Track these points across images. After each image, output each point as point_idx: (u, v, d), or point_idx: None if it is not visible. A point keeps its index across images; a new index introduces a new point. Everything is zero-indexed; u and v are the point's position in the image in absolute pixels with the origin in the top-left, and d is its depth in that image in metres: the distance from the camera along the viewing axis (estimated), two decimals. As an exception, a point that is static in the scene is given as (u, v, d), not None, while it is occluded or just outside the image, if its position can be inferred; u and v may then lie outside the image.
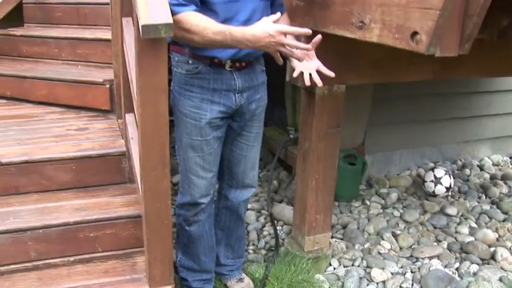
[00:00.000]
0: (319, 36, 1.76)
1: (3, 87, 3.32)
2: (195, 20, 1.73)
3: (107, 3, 3.59)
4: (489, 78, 4.30)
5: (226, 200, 2.38)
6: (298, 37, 1.95)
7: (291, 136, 3.70)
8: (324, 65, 1.95)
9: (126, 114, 2.38)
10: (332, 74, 1.88)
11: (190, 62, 1.97)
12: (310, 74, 1.90)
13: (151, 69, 1.62)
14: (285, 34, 1.72)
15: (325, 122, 2.42)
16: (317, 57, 1.98)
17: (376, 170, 4.16)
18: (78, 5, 3.87)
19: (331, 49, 2.10)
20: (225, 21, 1.84)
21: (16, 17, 3.92)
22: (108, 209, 2.19)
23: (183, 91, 2.01)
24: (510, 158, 4.88)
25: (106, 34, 3.31)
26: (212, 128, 2.05)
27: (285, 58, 1.99)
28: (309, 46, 1.75)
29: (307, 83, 1.88)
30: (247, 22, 1.87)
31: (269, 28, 1.70)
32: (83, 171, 2.36)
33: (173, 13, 1.60)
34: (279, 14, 1.78)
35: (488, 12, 1.99)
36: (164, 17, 1.52)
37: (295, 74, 1.93)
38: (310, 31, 1.74)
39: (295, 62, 1.95)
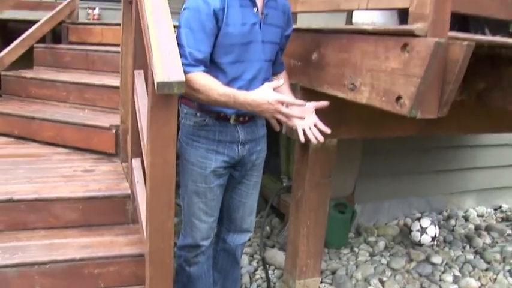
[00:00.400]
0: (324, 103, 1.96)
1: (11, 126, 3.49)
2: (203, 80, 1.93)
3: (114, 52, 3.83)
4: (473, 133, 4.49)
5: (224, 243, 2.51)
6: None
7: (284, 184, 3.86)
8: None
9: (132, 159, 2.53)
10: (328, 131, 2.05)
11: (198, 114, 2.15)
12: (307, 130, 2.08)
13: (163, 121, 1.79)
14: (282, 103, 1.91)
15: (318, 172, 2.60)
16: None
17: (365, 219, 4.30)
18: (86, 51, 4.10)
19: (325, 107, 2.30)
20: (233, 79, 2.04)
21: (27, 59, 4.14)
22: (112, 248, 2.32)
23: (191, 141, 2.19)
24: (494, 209, 5.05)
25: (113, 81, 3.53)
26: (216, 176, 2.22)
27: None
28: (303, 115, 1.96)
29: (302, 139, 2.05)
30: (252, 80, 2.07)
31: (269, 96, 1.90)
32: (89, 211, 2.51)
33: (184, 72, 1.79)
34: (281, 81, 1.99)
35: (466, 77, 2.21)
36: (178, 75, 1.71)
37: (299, 132, 2.08)
38: (305, 103, 1.94)
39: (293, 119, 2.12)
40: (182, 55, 1.87)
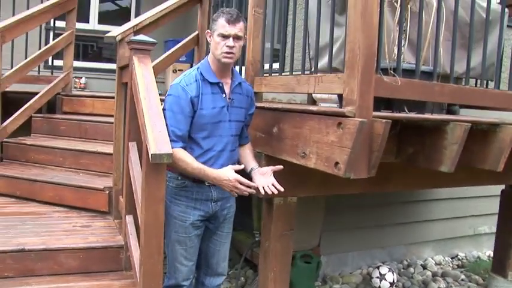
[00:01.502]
0: (279, 167, 2.56)
1: (13, 188, 3.94)
2: (182, 155, 2.47)
3: (105, 122, 4.35)
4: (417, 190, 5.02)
5: (203, 285, 2.95)
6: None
7: (257, 239, 4.31)
8: (280, 181, 2.65)
9: (126, 215, 3.00)
10: (282, 189, 2.58)
11: (179, 178, 2.65)
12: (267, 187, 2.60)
13: (154, 184, 2.30)
14: (239, 182, 2.45)
15: (281, 226, 3.04)
16: (275, 176, 2.69)
17: (331, 269, 4.74)
18: (79, 121, 4.60)
19: (285, 170, 2.82)
20: (206, 150, 2.58)
21: (24, 128, 4.61)
22: (109, 290, 2.77)
23: (173, 199, 2.67)
24: (452, 258, 5.54)
25: (104, 148, 4.03)
26: (194, 228, 2.69)
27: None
28: (253, 191, 2.51)
29: (262, 193, 2.57)
30: (221, 151, 2.61)
31: (229, 175, 2.46)
32: (88, 259, 2.95)
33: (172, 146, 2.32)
34: (238, 166, 2.55)
35: (398, 143, 2.77)
36: (166, 149, 2.24)
37: (260, 189, 2.58)
38: (257, 186, 2.50)
39: (255, 179, 2.62)
40: (169, 133, 2.42)
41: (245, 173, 2.66)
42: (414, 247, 5.34)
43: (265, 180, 2.60)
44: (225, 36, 2.50)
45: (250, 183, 2.49)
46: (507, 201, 4.42)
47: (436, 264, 5.29)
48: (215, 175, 2.48)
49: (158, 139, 2.27)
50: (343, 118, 2.19)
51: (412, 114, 2.67)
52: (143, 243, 2.37)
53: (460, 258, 5.55)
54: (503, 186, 4.47)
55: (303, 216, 4.14)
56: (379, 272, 4.40)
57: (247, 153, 2.81)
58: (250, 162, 2.74)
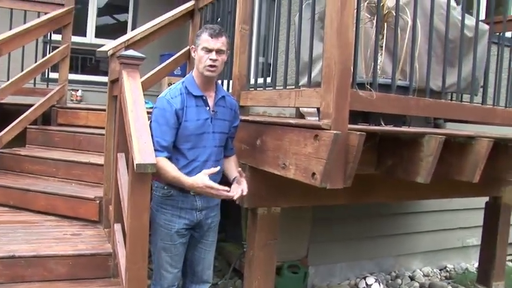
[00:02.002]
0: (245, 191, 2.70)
1: (7, 197, 4.02)
2: (163, 164, 2.56)
3: (98, 134, 4.46)
4: (399, 201, 5.11)
5: (189, 293, 3.05)
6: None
7: (245, 249, 4.39)
8: (262, 193, 2.80)
9: (114, 224, 3.09)
10: (245, 192, 2.69)
11: (165, 187, 2.75)
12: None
13: (139, 193, 2.40)
14: (210, 187, 2.54)
15: (265, 235, 3.12)
16: (260, 187, 2.82)
17: (320, 280, 4.81)
18: (74, 133, 4.71)
19: (269, 181, 2.94)
20: (191, 161, 2.68)
21: (19, 138, 4.71)
22: (97, 296, 2.86)
23: (159, 208, 2.77)
24: (440, 269, 5.62)
25: (97, 159, 4.12)
26: (179, 236, 2.79)
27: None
28: (225, 194, 2.60)
29: (236, 198, 2.68)
30: (206, 162, 2.71)
31: (199, 182, 2.55)
32: (77, 266, 3.04)
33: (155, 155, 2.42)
34: (212, 169, 2.62)
35: (378, 155, 2.87)
36: (151, 159, 2.35)
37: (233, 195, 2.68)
38: (229, 191, 2.59)
39: (232, 188, 2.72)
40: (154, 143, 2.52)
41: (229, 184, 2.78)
42: (403, 258, 5.41)
43: (237, 186, 2.73)
44: (208, 50, 2.63)
45: (220, 186, 2.59)
46: (491, 213, 4.51)
47: (424, 275, 5.36)
48: (190, 183, 2.58)
49: (143, 150, 2.37)
50: (320, 130, 2.29)
51: (388, 127, 2.78)
52: (128, 250, 2.46)
53: (449, 270, 5.63)
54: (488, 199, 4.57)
55: (290, 227, 4.25)
56: (366, 283, 4.50)
57: (231, 164, 2.92)
58: (234, 173, 2.85)
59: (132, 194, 2.40)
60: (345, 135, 2.32)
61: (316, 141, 2.31)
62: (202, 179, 2.55)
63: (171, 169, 2.59)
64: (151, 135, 2.56)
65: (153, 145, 2.52)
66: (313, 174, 2.33)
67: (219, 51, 2.65)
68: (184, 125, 2.65)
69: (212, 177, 2.72)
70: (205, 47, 2.63)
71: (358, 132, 2.29)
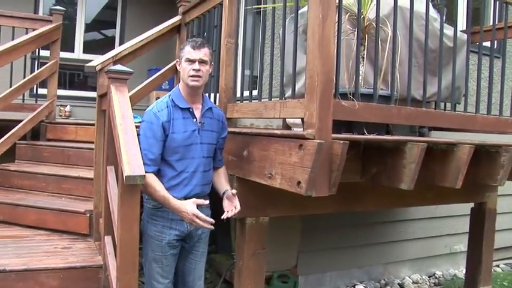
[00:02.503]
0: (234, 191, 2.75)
1: (-4, 212, 4.03)
2: (151, 181, 2.62)
3: (87, 148, 4.49)
4: (387, 208, 5.17)
5: (181, 304, 3.08)
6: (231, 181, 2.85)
7: (235, 260, 4.43)
8: (251, 203, 2.87)
9: (105, 236, 3.12)
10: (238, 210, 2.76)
11: (155, 199, 2.79)
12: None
13: (129, 204, 2.45)
14: (196, 216, 2.59)
15: (254, 245, 3.17)
16: (248, 198, 2.88)
17: (310, 289, 4.88)
18: (63, 148, 4.74)
19: (257, 192, 3.00)
20: (180, 172, 2.73)
21: (10, 154, 4.74)
22: (88, 308, 2.89)
23: (150, 219, 2.82)
24: (429, 276, 5.68)
25: (86, 174, 4.16)
26: (170, 247, 2.83)
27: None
28: (208, 226, 2.64)
29: (224, 217, 2.74)
30: (194, 173, 2.77)
31: (188, 208, 2.60)
32: (68, 279, 3.08)
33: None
34: (202, 201, 2.67)
35: (363, 163, 2.93)
36: (140, 171, 2.40)
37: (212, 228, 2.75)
38: (213, 223, 2.63)
39: (223, 203, 2.81)
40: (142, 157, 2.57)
41: (218, 198, 2.85)
42: (392, 266, 5.46)
43: (229, 204, 2.79)
44: (191, 61, 2.72)
45: (207, 219, 2.63)
46: (476, 219, 4.58)
47: (414, 282, 5.41)
48: (176, 206, 2.63)
49: (132, 162, 2.42)
50: (304, 140, 2.36)
51: (371, 136, 2.85)
52: (119, 260, 2.50)
53: (437, 276, 5.68)
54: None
55: (280, 236, 4.30)
56: (355, 291, 4.54)
57: (221, 177, 2.97)
58: (223, 186, 2.90)
59: (122, 205, 2.45)
60: (329, 144, 2.39)
61: (301, 150, 2.38)
62: (191, 207, 2.60)
63: (160, 188, 2.65)
64: (139, 148, 2.61)
65: (141, 158, 2.56)
66: (299, 182, 2.39)
67: (201, 62, 2.72)
68: (171, 137, 2.70)
69: (201, 188, 2.79)
70: (188, 58, 2.72)
71: (342, 141, 2.37)
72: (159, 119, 2.68)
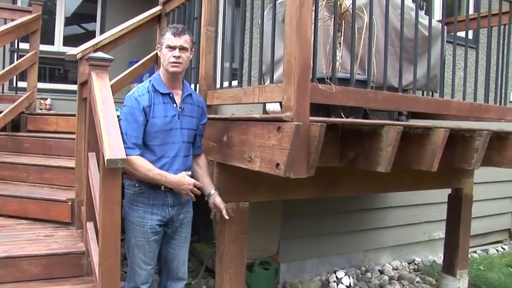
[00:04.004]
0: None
1: (-23, 203, 4.01)
2: (141, 162, 2.69)
3: (68, 138, 4.49)
4: (366, 194, 5.24)
5: (165, 291, 3.13)
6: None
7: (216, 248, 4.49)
8: (231, 188, 2.97)
9: (87, 222, 3.14)
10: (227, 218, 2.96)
11: (136, 185, 2.83)
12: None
13: (111, 188, 2.48)
14: (194, 185, 2.76)
15: (235, 230, 3.21)
16: (228, 183, 3.00)
17: (291, 276, 4.91)
18: (44, 138, 4.73)
19: (237, 177, 3.05)
20: (160, 157, 2.78)
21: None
22: (71, 293, 2.91)
23: (132, 205, 2.85)
24: (408, 263, 5.79)
25: (68, 163, 4.16)
26: (153, 233, 2.86)
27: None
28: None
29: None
30: (175, 157, 2.82)
31: (186, 180, 2.77)
32: (50, 266, 3.09)
33: (126, 153, 2.52)
34: (189, 172, 2.83)
35: (341, 147, 2.99)
36: (121, 154, 2.43)
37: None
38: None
39: (210, 205, 2.96)
40: (123, 140, 2.61)
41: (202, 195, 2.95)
42: (372, 253, 5.55)
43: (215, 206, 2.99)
44: (172, 48, 2.76)
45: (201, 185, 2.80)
46: (453, 204, 4.70)
47: (394, 269, 5.51)
48: (177, 179, 2.76)
49: (113, 146, 2.45)
50: (282, 123, 2.41)
51: (348, 119, 2.91)
52: (101, 245, 2.53)
53: (417, 263, 5.79)
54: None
55: (261, 224, 4.34)
56: (336, 276, 4.62)
57: (203, 170, 3.05)
58: (208, 187, 3.00)
59: (104, 189, 2.48)
60: (307, 127, 2.43)
61: (279, 133, 2.42)
62: (188, 178, 2.78)
63: (152, 167, 2.72)
64: (122, 133, 2.64)
65: (125, 143, 2.61)
66: (277, 164, 2.44)
67: (182, 49, 2.77)
68: (151, 122, 2.74)
69: (177, 174, 2.85)
70: (169, 44, 2.76)
71: (319, 123, 2.41)
72: (140, 104, 2.71)
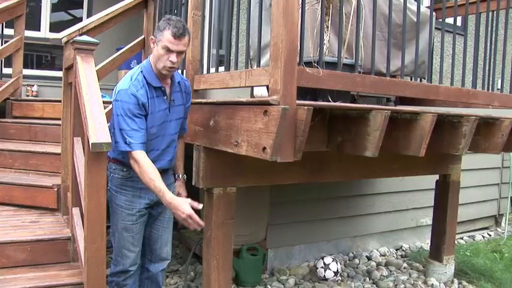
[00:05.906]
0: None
1: (-39, 190, 3.97)
2: (146, 168, 2.57)
3: (54, 124, 4.45)
4: (353, 180, 5.27)
5: (148, 271, 3.09)
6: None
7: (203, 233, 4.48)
8: (218, 173, 2.99)
9: (73, 208, 3.12)
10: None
11: (124, 169, 2.80)
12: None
13: (96, 171, 2.45)
14: (190, 217, 2.53)
15: (222, 215, 3.20)
16: (215, 168, 2.99)
17: (279, 262, 4.92)
18: (29, 124, 4.68)
19: (224, 161, 3.04)
20: (152, 150, 2.75)
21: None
22: (56, 278, 2.90)
23: (120, 189, 2.83)
24: (396, 249, 5.82)
25: (54, 149, 4.13)
26: (140, 216, 2.86)
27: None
28: (198, 227, 2.60)
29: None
30: (165, 149, 2.82)
31: (185, 209, 2.52)
32: (36, 252, 3.07)
33: (131, 149, 2.55)
34: (197, 204, 2.60)
35: (328, 132, 2.98)
36: (105, 138, 2.40)
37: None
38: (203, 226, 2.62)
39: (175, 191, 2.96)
40: (128, 136, 2.56)
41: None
42: (359, 239, 5.57)
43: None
44: (170, 51, 2.60)
45: (200, 222, 2.57)
46: (441, 190, 4.73)
47: (381, 255, 5.53)
48: (173, 203, 2.56)
49: (98, 129, 2.42)
50: (269, 106, 2.39)
51: (335, 103, 2.90)
52: (86, 229, 2.51)
53: (404, 249, 5.82)
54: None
55: (248, 210, 4.34)
56: (324, 262, 4.62)
57: (178, 153, 3.03)
58: (179, 169, 3.04)
59: (89, 173, 2.45)
60: (293, 110, 2.42)
61: (266, 116, 2.41)
62: (188, 209, 2.53)
63: (156, 178, 2.58)
64: (124, 130, 2.57)
65: (132, 138, 2.56)
66: (264, 148, 2.43)
67: (179, 52, 2.64)
68: (148, 117, 2.69)
69: (169, 163, 2.89)
70: (167, 46, 2.59)
71: (306, 107, 2.40)
72: (139, 100, 2.62)
